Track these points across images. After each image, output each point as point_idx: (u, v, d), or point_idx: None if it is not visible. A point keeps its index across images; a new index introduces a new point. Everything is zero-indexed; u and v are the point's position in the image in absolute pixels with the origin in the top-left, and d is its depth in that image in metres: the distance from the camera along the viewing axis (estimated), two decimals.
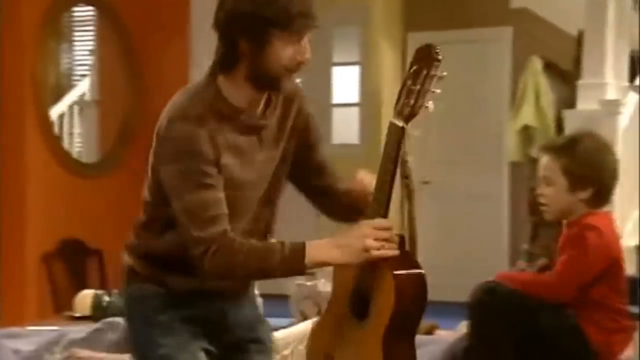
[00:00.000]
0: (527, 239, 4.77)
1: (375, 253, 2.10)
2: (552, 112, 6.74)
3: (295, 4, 2.16)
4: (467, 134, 7.48)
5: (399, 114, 2.24)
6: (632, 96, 5.58)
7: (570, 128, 5.92)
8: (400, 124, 2.24)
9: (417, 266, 2.30)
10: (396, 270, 2.20)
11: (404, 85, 2.25)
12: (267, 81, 2.24)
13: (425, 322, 3.45)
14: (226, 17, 2.20)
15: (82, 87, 6.42)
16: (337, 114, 7.86)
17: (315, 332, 2.46)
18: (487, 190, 7.42)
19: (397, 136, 2.25)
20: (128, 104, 5.95)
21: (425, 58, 2.24)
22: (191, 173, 2.15)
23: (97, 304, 3.78)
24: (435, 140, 7.61)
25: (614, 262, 2.68)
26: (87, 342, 3.03)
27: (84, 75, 6.51)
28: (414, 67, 2.24)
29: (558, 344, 2.62)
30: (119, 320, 3.13)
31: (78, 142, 6.25)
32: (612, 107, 5.92)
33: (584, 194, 2.71)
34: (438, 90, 2.27)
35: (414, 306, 2.27)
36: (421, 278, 2.28)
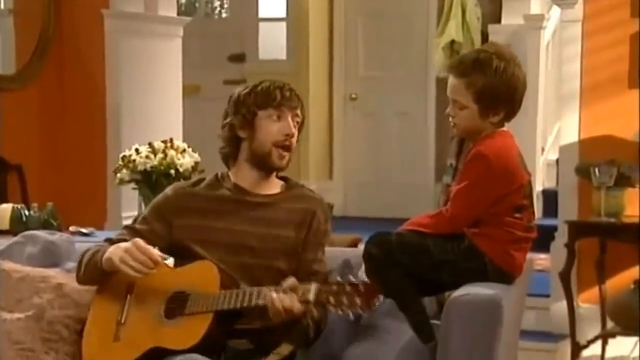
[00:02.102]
0: (453, 154, 4.80)
1: (122, 267, 2.49)
2: (479, 27, 6.76)
3: (273, 87, 2.60)
4: (393, 49, 7.46)
5: (318, 292, 2.36)
6: (556, 10, 5.61)
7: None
8: (310, 297, 2.36)
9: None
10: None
11: (341, 286, 2.35)
12: (261, 159, 2.61)
13: (349, 235, 3.48)
14: (227, 112, 2.66)
15: None
16: (263, 29, 7.76)
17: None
18: (414, 105, 7.45)
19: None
20: (45, 14, 5.78)
21: (369, 295, 2.35)
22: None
23: (16, 217, 3.73)
24: (362, 56, 7.58)
25: (509, 185, 2.68)
26: (6, 254, 2.98)
27: None
28: (357, 292, 2.34)
29: (458, 269, 2.65)
30: (38, 233, 3.10)
31: None
32: (536, 22, 5.97)
33: (496, 118, 2.70)
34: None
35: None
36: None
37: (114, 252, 2.53)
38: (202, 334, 2.42)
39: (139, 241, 2.51)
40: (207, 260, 2.56)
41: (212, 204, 2.65)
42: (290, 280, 2.42)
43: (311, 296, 2.35)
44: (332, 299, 2.33)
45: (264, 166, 2.65)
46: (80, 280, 2.70)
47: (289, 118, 2.62)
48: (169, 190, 2.73)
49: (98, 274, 2.61)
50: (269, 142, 2.60)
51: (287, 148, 2.62)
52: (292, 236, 2.63)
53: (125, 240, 2.60)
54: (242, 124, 2.63)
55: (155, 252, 2.50)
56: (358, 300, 2.32)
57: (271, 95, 2.61)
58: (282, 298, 2.38)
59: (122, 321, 2.57)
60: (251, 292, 2.44)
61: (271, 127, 2.60)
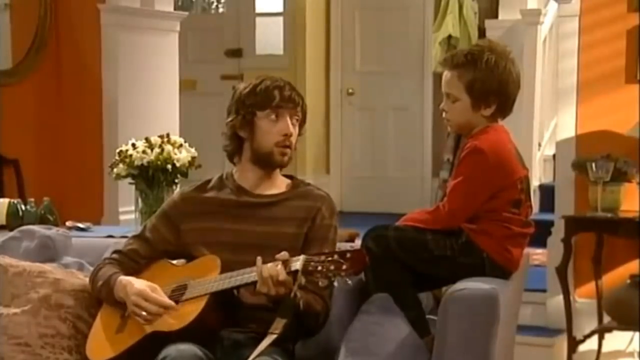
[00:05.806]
0: (450, 149, 4.81)
1: (135, 316, 2.55)
2: (475, 22, 6.76)
3: (272, 87, 2.62)
4: (390, 44, 7.46)
5: (306, 261, 2.37)
6: (552, 5, 5.61)
7: (492, 38, 5.95)
8: (297, 265, 2.38)
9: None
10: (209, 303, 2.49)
11: (328, 255, 2.37)
12: (263, 157, 2.64)
13: (346, 230, 3.48)
14: (229, 110, 2.67)
15: None
16: (260, 24, 7.75)
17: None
18: (411, 100, 7.45)
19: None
20: (41, 9, 5.78)
21: (357, 261, 2.36)
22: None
23: (12, 212, 3.71)
24: (358, 51, 7.58)
25: (505, 179, 2.67)
26: (2, 249, 2.99)
27: None
28: (343, 258, 2.35)
29: (456, 264, 2.65)
30: (35, 228, 3.10)
31: None
32: (533, 17, 5.97)
33: (488, 111, 2.71)
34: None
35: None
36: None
37: (129, 292, 2.58)
38: (194, 316, 2.47)
39: (147, 293, 2.55)
40: (211, 255, 2.60)
41: (216, 207, 2.68)
42: (282, 253, 2.45)
43: (298, 265, 2.38)
44: (319, 267, 2.36)
45: (267, 164, 2.67)
46: (96, 297, 2.76)
47: (288, 118, 2.64)
48: (175, 196, 2.79)
49: (114, 300, 2.67)
50: (269, 142, 2.64)
51: (288, 146, 2.65)
52: (297, 233, 2.64)
53: (134, 252, 2.71)
54: (241, 124, 2.65)
55: (165, 299, 2.54)
56: (345, 266, 2.35)
57: (270, 96, 2.63)
58: (269, 267, 2.42)
59: (126, 315, 2.62)
60: (243, 272, 2.48)
61: (270, 128, 2.63)
